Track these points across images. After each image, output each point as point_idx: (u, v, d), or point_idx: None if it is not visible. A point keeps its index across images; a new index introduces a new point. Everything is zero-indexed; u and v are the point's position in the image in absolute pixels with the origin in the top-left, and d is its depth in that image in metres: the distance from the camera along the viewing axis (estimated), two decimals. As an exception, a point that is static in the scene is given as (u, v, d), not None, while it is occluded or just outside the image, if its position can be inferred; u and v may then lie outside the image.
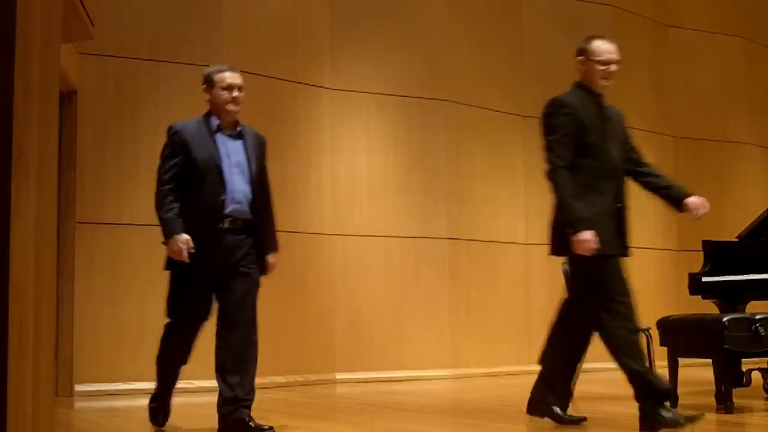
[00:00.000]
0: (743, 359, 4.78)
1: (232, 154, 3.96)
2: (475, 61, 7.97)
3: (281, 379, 6.52)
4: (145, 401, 4.48)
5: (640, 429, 3.77)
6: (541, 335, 7.94)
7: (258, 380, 6.41)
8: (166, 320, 4.05)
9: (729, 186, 9.37)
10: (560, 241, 3.96)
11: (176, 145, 3.92)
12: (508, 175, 8.03)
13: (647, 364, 3.95)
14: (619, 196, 3.98)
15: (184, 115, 6.56)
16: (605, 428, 4.35)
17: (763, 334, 4.56)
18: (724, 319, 4.58)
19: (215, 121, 4.00)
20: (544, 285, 7.75)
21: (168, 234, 3.83)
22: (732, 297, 5.34)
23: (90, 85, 6.18)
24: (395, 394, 6.13)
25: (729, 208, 8.75)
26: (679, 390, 4.84)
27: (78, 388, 5.87)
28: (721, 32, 9.53)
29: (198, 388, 5.85)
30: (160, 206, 3.87)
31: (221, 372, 3.92)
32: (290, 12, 7.08)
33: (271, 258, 4.14)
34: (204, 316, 4.03)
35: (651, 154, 9.08)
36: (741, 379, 4.78)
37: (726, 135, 9.42)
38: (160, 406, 4.27)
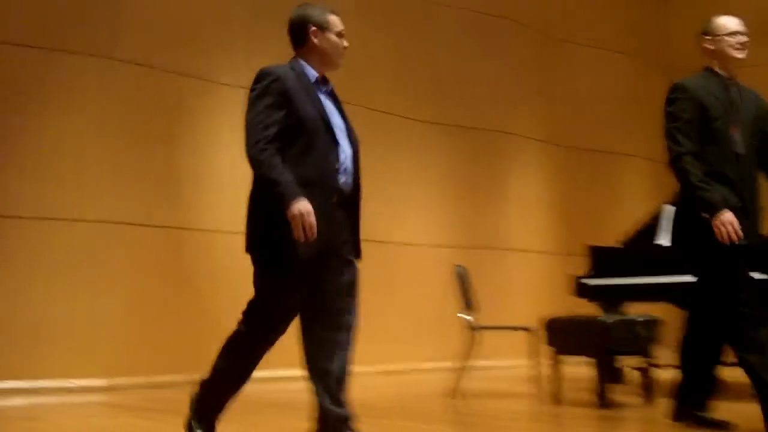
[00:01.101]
0: (621, 357, 5.02)
1: (331, 114, 3.26)
2: (387, 65, 8.04)
3: (168, 378, 6.38)
4: (14, 401, 4.26)
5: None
6: (434, 335, 8.17)
7: (154, 378, 6.36)
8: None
9: (615, 195, 9.80)
10: (686, 234, 3.80)
11: (279, 96, 3.11)
12: (407, 178, 8.15)
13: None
14: (744, 186, 3.71)
15: (76, 109, 6.46)
16: (495, 424, 4.47)
17: (642, 334, 4.80)
18: (607, 321, 4.80)
19: (313, 72, 3.27)
20: (439, 286, 7.89)
21: (291, 197, 2.98)
22: (613, 299, 5.58)
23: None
24: (292, 392, 6.10)
25: (613, 215, 9.15)
26: (563, 387, 5.03)
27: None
28: (610, 49, 9.96)
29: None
30: (271, 165, 3.02)
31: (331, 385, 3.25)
32: (201, 5, 6.95)
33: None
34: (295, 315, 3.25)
35: (543, 163, 9.47)
36: (619, 377, 5.01)
37: (613, 147, 9.84)
38: None
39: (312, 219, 2.99)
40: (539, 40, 9.38)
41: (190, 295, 6.71)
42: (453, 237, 8.44)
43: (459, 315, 5.60)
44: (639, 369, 5.01)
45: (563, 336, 5.01)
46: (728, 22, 3.79)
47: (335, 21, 3.33)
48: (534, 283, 8.88)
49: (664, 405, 4.81)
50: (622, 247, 5.88)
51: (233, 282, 6.97)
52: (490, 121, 8.75)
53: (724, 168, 3.67)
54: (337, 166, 3.15)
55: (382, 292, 7.75)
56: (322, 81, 3.31)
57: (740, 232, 3.53)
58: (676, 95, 3.75)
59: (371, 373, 7.55)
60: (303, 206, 2.99)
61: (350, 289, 3.24)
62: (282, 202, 3.00)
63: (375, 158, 8.01)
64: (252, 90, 3.18)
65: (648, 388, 4.88)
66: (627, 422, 4.47)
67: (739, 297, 3.58)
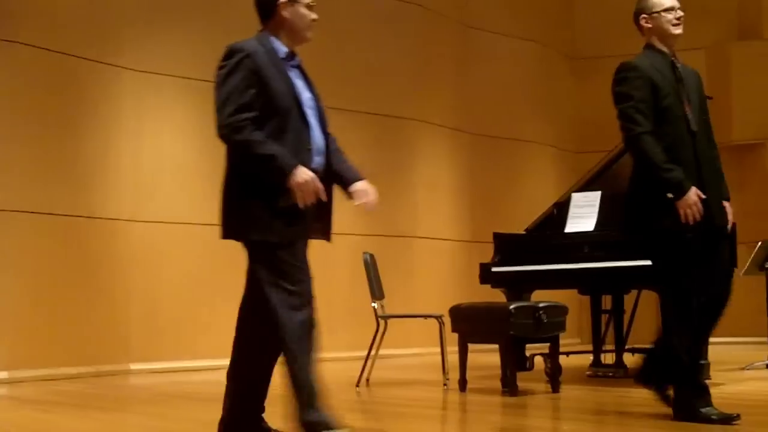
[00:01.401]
0: (527, 344, 5.09)
1: (301, 91, 3.13)
2: (297, 52, 7.90)
3: (71, 371, 6.22)
4: None
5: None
6: (346, 324, 8.13)
7: (46, 371, 6.17)
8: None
9: (521, 182, 9.95)
10: (637, 218, 3.69)
11: (250, 73, 2.98)
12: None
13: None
14: (703, 164, 3.65)
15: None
16: (409, 413, 4.48)
17: (545, 321, 4.86)
18: (510, 307, 4.84)
19: (282, 48, 3.13)
20: (350, 275, 7.86)
21: (290, 167, 2.92)
22: (519, 286, 5.64)
23: None
24: (192, 383, 6.00)
25: (520, 202, 9.29)
26: (468, 374, 5.07)
27: None
28: (518, 36, 10.08)
29: None
30: (257, 142, 2.92)
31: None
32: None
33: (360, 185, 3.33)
34: None
35: (451, 151, 9.52)
36: (525, 364, 5.07)
37: (519, 134, 9.98)
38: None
39: (319, 183, 2.96)
40: (449, 27, 9.41)
41: (93, 285, 6.52)
42: (363, 225, 8.41)
43: (372, 305, 5.55)
44: (544, 355, 5.08)
45: (468, 323, 5.04)
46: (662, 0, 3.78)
47: None
48: (443, 271, 8.94)
49: (568, 391, 4.92)
50: (526, 234, 5.96)
51: (136, 272, 6.79)
52: (398, 109, 8.74)
53: (680, 147, 3.61)
54: (309, 147, 3.06)
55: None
56: (290, 55, 3.18)
57: (702, 211, 3.50)
58: (625, 74, 3.67)
59: (280, 362, 7.47)
60: (305, 173, 2.92)
61: None
62: (282, 175, 2.92)
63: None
64: (221, 67, 3.08)
65: (554, 375, 4.94)
66: (531, 409, 4.53)
67: (683, 284, 3.56)
